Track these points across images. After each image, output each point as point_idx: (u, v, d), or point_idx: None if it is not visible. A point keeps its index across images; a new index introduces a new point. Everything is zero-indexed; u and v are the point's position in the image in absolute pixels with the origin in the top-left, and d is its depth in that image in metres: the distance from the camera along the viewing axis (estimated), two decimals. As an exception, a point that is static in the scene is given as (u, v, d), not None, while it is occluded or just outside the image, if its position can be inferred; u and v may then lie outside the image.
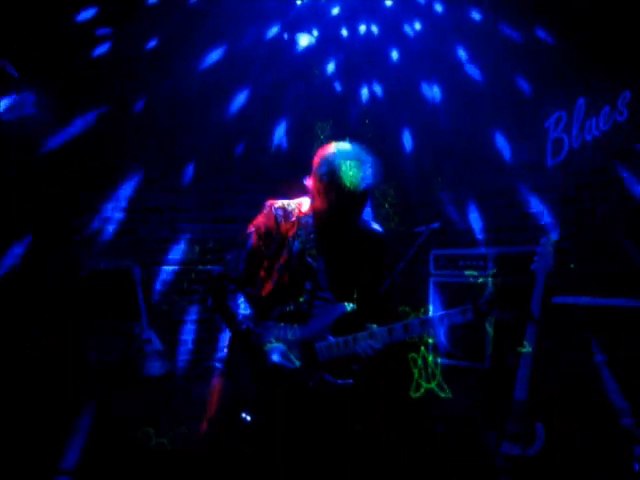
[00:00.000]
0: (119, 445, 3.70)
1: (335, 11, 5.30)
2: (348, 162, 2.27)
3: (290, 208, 2.41)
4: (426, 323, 2.24)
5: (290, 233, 2.37)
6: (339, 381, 2.30)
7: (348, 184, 2.24)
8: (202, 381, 5.36)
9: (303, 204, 2.44)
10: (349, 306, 2.35)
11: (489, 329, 4.70)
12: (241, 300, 2.34)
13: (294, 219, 2.39)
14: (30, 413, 4.05)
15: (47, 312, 4.84)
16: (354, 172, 2.25)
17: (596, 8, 4.33)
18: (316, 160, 2.34)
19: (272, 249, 2.37)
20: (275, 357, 2.27)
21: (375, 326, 2.31)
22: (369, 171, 2.29)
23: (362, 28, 5.46)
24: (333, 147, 2.35)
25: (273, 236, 2.37)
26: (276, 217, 2.38)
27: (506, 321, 4.26)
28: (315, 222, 2.41)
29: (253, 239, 2.38)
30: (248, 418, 2.29)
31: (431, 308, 5.13)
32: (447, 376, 4.98)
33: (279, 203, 2.43)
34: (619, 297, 3.72)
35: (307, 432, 2.31)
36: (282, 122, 5.83)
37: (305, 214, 2.41)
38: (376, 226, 2.53)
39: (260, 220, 2.41)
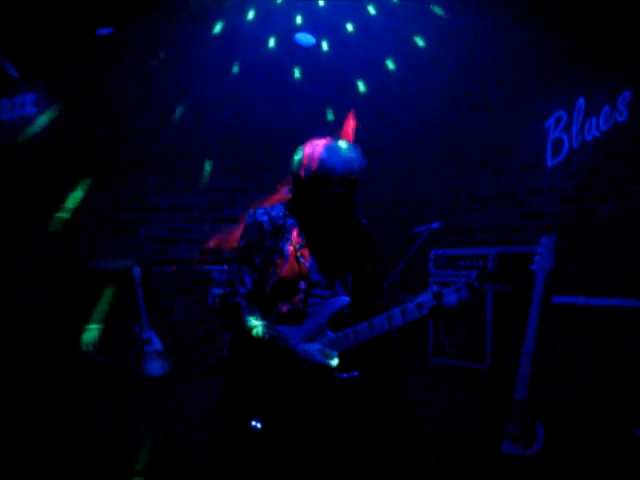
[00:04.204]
0: (119, 445, 3.70)
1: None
2: (335, 151, 2.29)
3: (274, 213, 2.41)
4: (423, 305, 2.23)
5: (279, 237, 2.38)
6: (344, 375, 2.30)
7: (341, 170, 2.25)
8: (202, 381, 5.36)
9: (285, 207, 2.44)
10: (344, 299, 2.35)
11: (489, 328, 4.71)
12: (256, 313, 2.34)
13: (281, 222, 2.39)
14: (30, 412, 4.05)
15: (46, 311, 4.84)
16: (344, 158, 2.28)
17: (596, 8, 4.33)
18: (300, 161, 2.34)
19: (264, 256, 2.37)
20: (317, 357, 2.27)
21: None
22: (356, 154, 2.31)
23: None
24: (313, 143, 2.36)
25: (264, 243, 2.37)
26: (262, 224, 2.38)
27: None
28: (303, 222, 2.41)
29: (248, 251, 2.38)
30: (259, 426, 2.27)
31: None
32: (447, 376, 5.00)
33: (262, 210, 2.42)
34: (619, 297, 3.72)
35: (321, 431, 2.31)
36: (280, 124, 5.84)
37: (290, 216, 2.42)
38: (363, 219, 2.55)
39: (248, 230, 2.40)
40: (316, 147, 2.33)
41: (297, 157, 2.37)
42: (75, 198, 5.30)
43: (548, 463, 3.03)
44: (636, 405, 3.30)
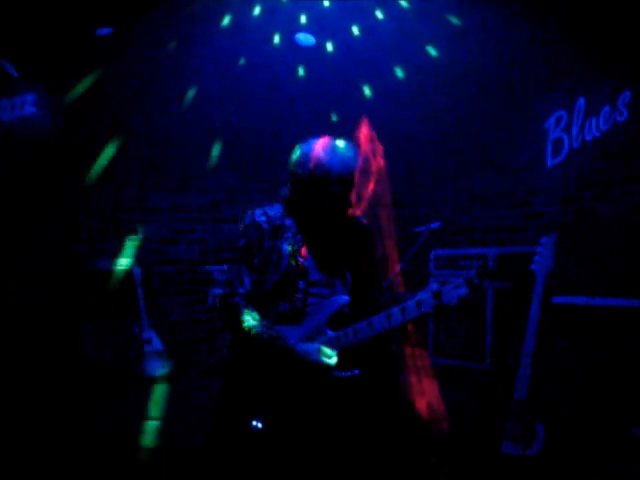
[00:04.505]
0: (119, 445, 3.70)
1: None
2: (332, 150, 2.29)
3: (272, 212, 2.41)
4: (423, 303, 2.23)
5: (277, 237, 2.38)
6: (346, 373, 2.30)
7: (339, 169, 2.26)
8: (202, 381, 5.36)
9: (283, 207, 2.45)
10: (344, 298, 2.36)
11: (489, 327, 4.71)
12: (255, 313, 2.34)
13: (279, 222, 2.40)
14: (30, 412, 4.05)
15: (46, 311, 4.84)
16: (342, 157, 2.29)
17: (596, 8, 4.33)
18: (298, 160, 2.34)
19: (263, 256, 2.37)
20: (315, 356, 2.26)
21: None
22: (354, 153, 2.32)
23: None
24: (310, 143, 2.36)
25: (263, 243, 2.37)
26: (261, 224, 2.38)
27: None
28: (301, 222, 2.42)
29: (248, 251, 2.38)
30: (260, 425, 2.27)
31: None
32: (447, 376, 5.00)
33: (260, 210, 2.43)
34: (619, 297, 3.72)
35: (321, 430, 2.31)
36: (282, 123, 5.83)
37: (288, 215, 2.42)
38: (362, 218, 2.55)
39: (247, 231, 2.40)
40: (313, 146, 2.33)
41: (294, 156, 2.37)
42: (76, 197, 5.32)
43: (548, 463, 3.03)
44: (636, 405, 3.30)
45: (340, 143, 2.34)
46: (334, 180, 2.27)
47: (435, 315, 2.28)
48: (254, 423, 2.26)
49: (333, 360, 2.26)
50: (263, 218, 2.40)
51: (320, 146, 2.32)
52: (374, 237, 2.56)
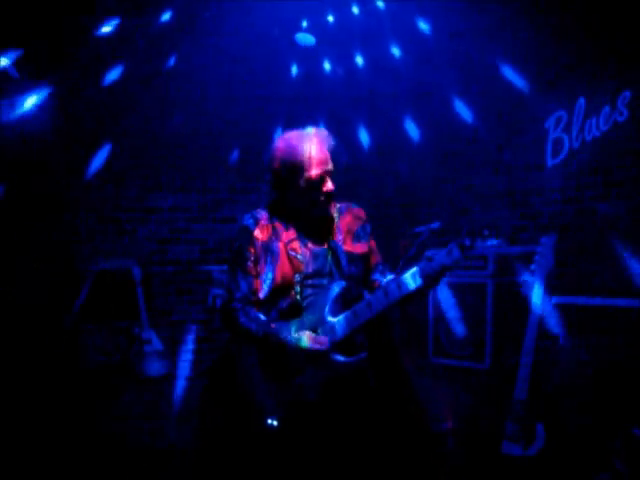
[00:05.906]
0: (119, 445, 3.70)
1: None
2: (303, 137, 2.33)
3: (259, 214, 2.45)
4: (417, 274, 2.23)
5: (267, 237, 2.40)
6: (352, 358, 2.30)
7: (313, 154, 2.29)
8: (202, 381, 5.36)
9: (270, 207, 2.47)
10: (340, 284, 2.36)
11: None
12: (252, 314, 2.37)
13: (267, 222, 2.42)
14: (30, 412, 4.05)
15: (46, 311, 4.84)
16: (314, 142, 2.32)
17: (596, 8, 4.33)
18: (273, 156, 2.37)
19: (256, 258, 2.40)
20: (306, 343, 2.27)
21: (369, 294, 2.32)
22: (321, 136, 2.36)
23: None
24: (282, 137, 2.40)
25: (255, 245, 2.40)
26: (249, 227, 2.41)
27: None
28: (288, 217, 2.43)
29: (242, 255, 2.41)
30: (275, 423, 2.28)
31: (430, 310, 5.15)
32: (447, 376, 5.00)
33: (248, 214, 2.47)
34: (619, 297, 3.72)
35: (326, 418, 2.32)
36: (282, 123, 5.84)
37: (274, 215, 2.44)
38: (354, 204, 2.56)
39: (238, 235, 2.44)
40: (287, 138, 2.38)
41: (270, 153, 2.40)
42: (76, 197, 5.32)
43: (548, 463, 3.04)
44: (636, 405, 3.30)
45: (310, 130, 2.37)
46: (307, 165, 2.29)
47: (432, 284, 2.27)
48: (269, 421, 2.28)
49: (325, 346, 2.27)
50: (251, 221, 2.43)
51: (291, 136, 2.36)
52: (369, 222, 2.57)
